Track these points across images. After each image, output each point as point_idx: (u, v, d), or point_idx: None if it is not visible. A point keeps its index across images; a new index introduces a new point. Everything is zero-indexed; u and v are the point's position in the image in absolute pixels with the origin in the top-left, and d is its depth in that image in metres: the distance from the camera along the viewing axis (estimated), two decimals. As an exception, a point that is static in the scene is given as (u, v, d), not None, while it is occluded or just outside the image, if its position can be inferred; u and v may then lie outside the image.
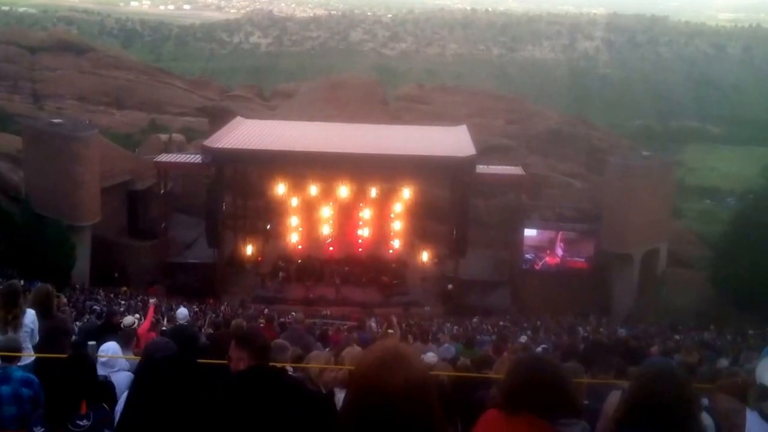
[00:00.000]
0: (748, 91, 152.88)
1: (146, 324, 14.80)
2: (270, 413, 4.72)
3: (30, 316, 9.53)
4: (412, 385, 3.13)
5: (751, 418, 5.48)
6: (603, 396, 7.30)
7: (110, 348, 9.38)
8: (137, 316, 16.56)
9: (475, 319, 41.26)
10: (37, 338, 9.50)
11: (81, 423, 6.13)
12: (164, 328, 17.63)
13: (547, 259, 48.53)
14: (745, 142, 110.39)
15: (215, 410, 4.89)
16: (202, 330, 22.54)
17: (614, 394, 6.60)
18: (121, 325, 12.86)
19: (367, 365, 3.25)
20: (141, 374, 5.65)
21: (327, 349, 13.52)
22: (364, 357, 3.40)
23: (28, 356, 8.86)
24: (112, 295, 39.57)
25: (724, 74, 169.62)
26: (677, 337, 31.64)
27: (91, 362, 6.84)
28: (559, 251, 48.31)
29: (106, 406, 6.44)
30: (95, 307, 31.70)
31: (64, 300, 21.88)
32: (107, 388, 7.30)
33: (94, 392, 6.42)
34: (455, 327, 35.81)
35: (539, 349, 19.43)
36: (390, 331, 15.96)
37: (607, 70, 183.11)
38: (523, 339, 25.23)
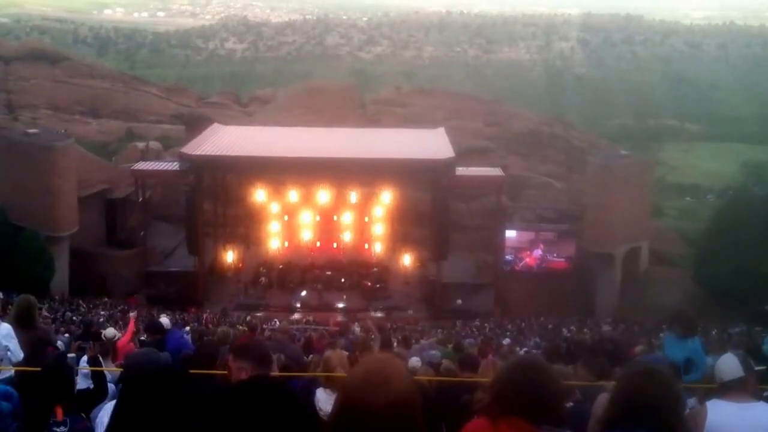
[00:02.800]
0: (724, 88, 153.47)
1: (126, 337, 14.60)
2: (270, 424, 4.68)
3: (4, 330, 9.26)
4: (395, 405, 3.15)
5: (711, 407, 5.76)
6: (587, 397, 7.23)
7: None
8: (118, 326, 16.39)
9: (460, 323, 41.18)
10: (21, 354, 9.24)
11: (58, 430, 6.00)
12: (143, 338, 17.41)
13: (526, 260, 48.45)
14: (723, 139, 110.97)
15: (210, 420, 4.85)
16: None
17: (603, 396, 6.54)
18: (102, 337, 12.70)
19: (352, 382, 3.28)
20: (128, 386, 5.53)
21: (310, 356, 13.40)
22: (352, 373, 3.46)
23: (7, 370, 8.68)
24: (91, 306, 39.28)
25: (700, 72, 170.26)
26: (662, 335, 31.58)
27: (69, 371, 6.68)
28: (539, 252, 48.23)
29: (84, 415, 6.34)
30: (74, 318, 31.43)
31: (45, 313, 21.64)
32: (87, 397, 7.18)
33: (72, 401, 6.30)
34: (439, 330, 35.68)
35: (524, 350, 19.36)
36: (372, 336, 15.76)
37: (584, 70, 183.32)
38: (507, 341, 25.15)
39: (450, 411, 8.29)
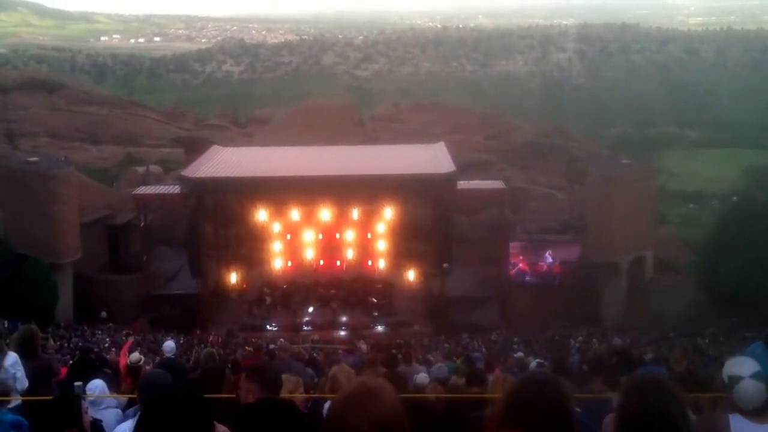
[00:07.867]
0: (723, 94, 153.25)
1: (122, 361, 14.51)
2: None
3: (11, 359, 9.29)
4: (378, 426, 3.12)
5: (735, 422, 5.49)
6: (596, 410, 7.18)
7: (97, 386, 9.19)
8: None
9: (465, 336, 41.07)
10: (26, 382, 9.26)
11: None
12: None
13: (536, 267, 48.27)
14: (723, 145, 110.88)
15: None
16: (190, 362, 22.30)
17: (611, 417, 6.36)
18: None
19: (338, 401, 3.28)
20: (151, 404, 5.50)
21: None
22: (340, 392, 3.44)
23: (16, 399, 8.66)
24: (98, 332, 39.22)
25: (699, 78, 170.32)
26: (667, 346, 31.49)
27: (78, 402, 6.64)
28: (549, 258, 48.07)
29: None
30: (80, 344, 31.41)
31: (52, 343, 21.61)
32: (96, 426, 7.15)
33: (82, 428, 6.26)
34: (446, 345, 35.58)
35: (534, 363, 19.21)
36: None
37: (582, 81, 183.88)
38: (520, 354, 24.98)
39: (458, 428, 8.21)
